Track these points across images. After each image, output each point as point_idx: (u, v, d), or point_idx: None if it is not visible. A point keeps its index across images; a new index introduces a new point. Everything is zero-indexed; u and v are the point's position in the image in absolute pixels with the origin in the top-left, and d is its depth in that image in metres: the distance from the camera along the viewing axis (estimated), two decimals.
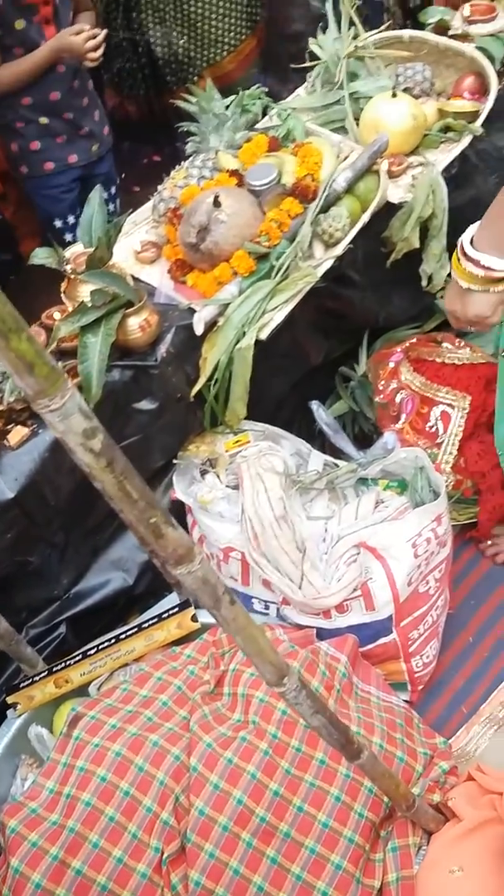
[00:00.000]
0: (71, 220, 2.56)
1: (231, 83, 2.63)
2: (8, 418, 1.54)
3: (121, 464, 0.82)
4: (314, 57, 2.16)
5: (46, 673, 1.58)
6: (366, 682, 1.69)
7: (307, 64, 2.18)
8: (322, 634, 1.75)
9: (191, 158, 1.95)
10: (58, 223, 2.57)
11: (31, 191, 2.58)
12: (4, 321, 0.70)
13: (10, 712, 1.61)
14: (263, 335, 1.70)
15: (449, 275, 2.03)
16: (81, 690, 1.64)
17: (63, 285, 1.68)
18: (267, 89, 2.08)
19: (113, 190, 2.67)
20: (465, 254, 1.43)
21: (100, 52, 2.27)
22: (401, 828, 1.47)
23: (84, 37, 2.21)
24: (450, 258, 2.00)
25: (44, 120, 2.39)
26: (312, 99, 2.14)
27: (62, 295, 1.68)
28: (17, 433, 1.52)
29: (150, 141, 3.11)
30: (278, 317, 1.73)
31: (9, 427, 1.54)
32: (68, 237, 2.56)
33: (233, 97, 2.00)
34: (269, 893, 1.37)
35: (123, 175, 2.74)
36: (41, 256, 1.61)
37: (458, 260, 1.45)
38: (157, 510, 0.88)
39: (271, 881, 1.38)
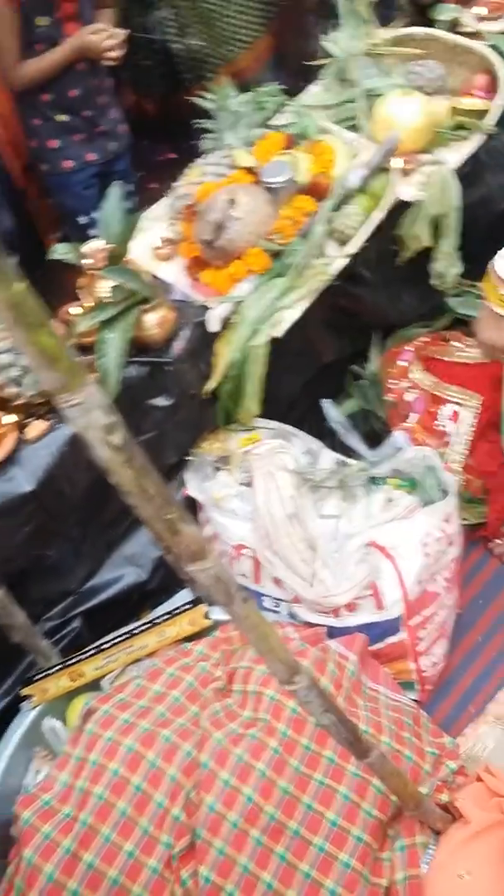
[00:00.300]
0: (95, 216, 2.56)
1: (246, 80, 2.62)
2: (27, 413, 1.55)
3: (139, 460, 0.82)
4: (327, 54, 2.15)
5: (61, 666, 1.59)
6: (374, 680, 1.69)
7: (321, 61, 2.18)
8: (332, 633, 1.75)
9: (206, 155, 1.95)
10: (82, 219, 2.57)
11: (52, 188, 2.58)
12: (30, 315, 0.70)
13: (24, 704, 1.62)
14: (278, 333, 1.71)
15: (471, 283, 2.03)
16: (94, 684, 1.65)
17: (81, 281, 1.68)
18: (282, 87, 2.08)
19: (130, 187, 2.67)
20: (501, 279, 1.36)
21: (119, 52, 2.27)
22: (408, 827, 1.47)
23: (103, 36, 2.22)
24: (460, 257, 2.01)
25: (62, 117, 2.39)
26: (326, 96, 2.14)
27: (79, 290, 1.68)
28: (36, 427, 1.53)
29: (167, 138, 3.10)
30: (292, 315, 1.73)
31: (28, 421, 1.55)
32: (93, 233, 2.56)
33: (248, 94, 2.00)
34: (277, 891, 1.37)
35: (140, 173, 2.75)
36: (61, 252, 1.61)
37: (495, 287, 1.38)
38: (173, 507, 0.89)
39: (280, 879, 1.38)
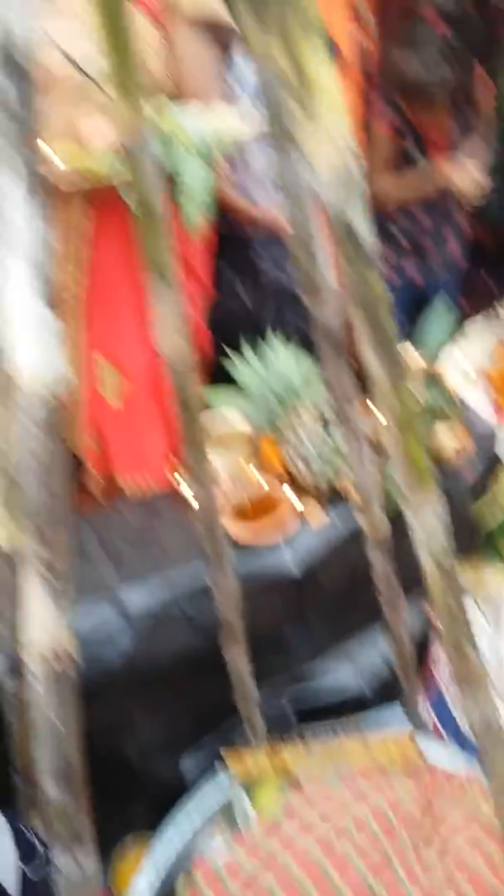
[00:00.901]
0: None
1: None
2: (314, 497, 1.59)
3: (458, 584, 0.82)
4: None
5: (264, 745, 1.58)
6: None
7: None
8: None
9: None
10: None
11: None
12: (407, 416, 0.73)
13: (218, 764, 1.62)
14: None
15: None
16: (289, 772, 1.62)
17: None
18: None
19: (451, 310, 2.66)
20: None
21: (476, 200, 2.29)
22: None
23: (467, 181, 2.23)
24: None
25: (397, 233, 2.46)
26: None
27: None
28: (318, 515, 1.56)
29: (493, 264, 3.11)
30: None
31: (311, 506, 1.58)
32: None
33: None
34: None
35: (461, 294, 2.75)
36: None
37: None
38: (469, 630, 0.87)
39: None
